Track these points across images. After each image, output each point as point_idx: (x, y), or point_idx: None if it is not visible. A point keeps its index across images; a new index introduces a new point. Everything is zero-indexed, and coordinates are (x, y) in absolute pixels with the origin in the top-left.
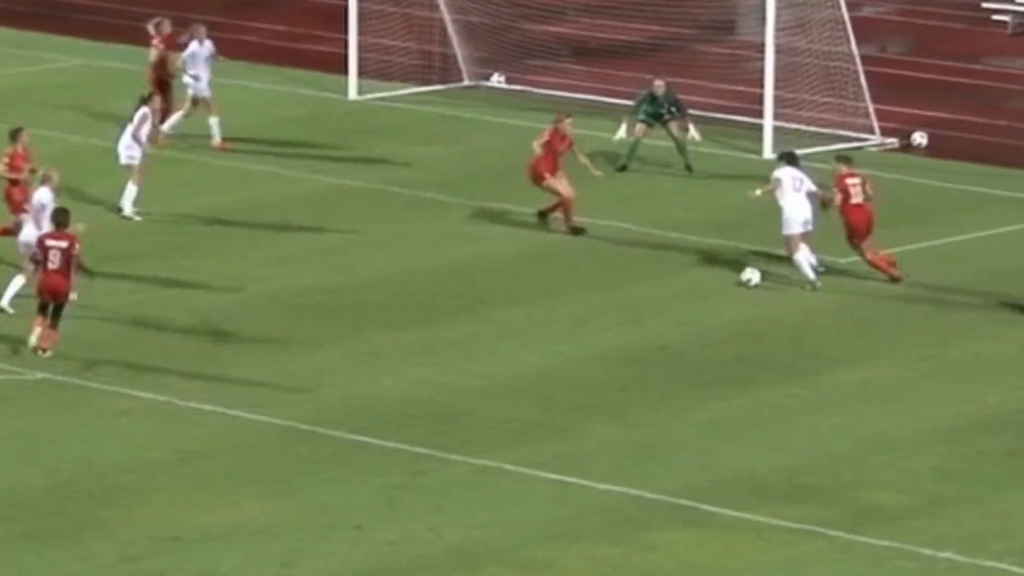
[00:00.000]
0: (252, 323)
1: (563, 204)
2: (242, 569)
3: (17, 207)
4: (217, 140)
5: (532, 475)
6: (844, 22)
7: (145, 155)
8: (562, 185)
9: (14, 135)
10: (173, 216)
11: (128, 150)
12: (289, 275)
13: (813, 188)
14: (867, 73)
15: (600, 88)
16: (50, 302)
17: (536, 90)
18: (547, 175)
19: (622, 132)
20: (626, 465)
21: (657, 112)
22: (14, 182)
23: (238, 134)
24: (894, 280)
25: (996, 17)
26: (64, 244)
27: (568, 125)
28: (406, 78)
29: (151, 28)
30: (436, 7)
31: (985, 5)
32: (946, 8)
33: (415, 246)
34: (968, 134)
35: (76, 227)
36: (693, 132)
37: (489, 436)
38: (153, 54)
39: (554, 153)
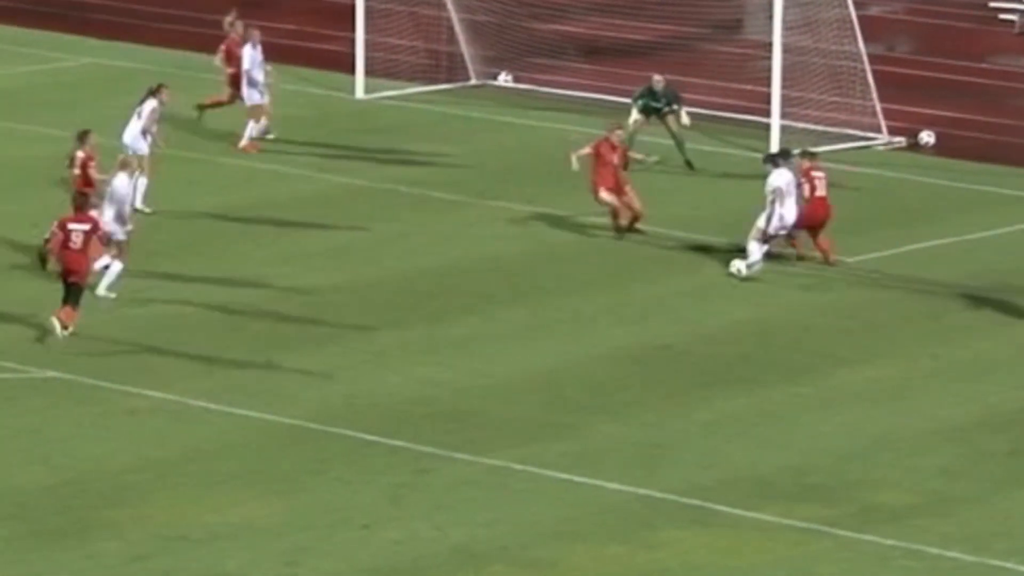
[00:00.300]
0: (258, 322)
1: (614, 212)
2: (248, 568)
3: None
4: (246, 142)
5: (538, 474)
6: (851, 21)
7: (154, 149)
8: (621, 200)
9: (82, 137)
10: (180, 214)
11: (135, 142)
12: (295, 274)
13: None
14: (874, 72)
15: (608, 87)
16: (73, 282)
17: (543, 89)
18: (602, 189)
19: (635, 114)
20: (632, 464)
21: (655, 107)
22: (89, 183)
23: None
24: (829, 264)
25: (1003, 16)
26: (87, 226)
27: (618, 136)
28: (413, 77)
29: (226, 26)
30: (443, 6)
31: (992, 4)
32: (953, 7)
33: (421, 245)
34: (975, 133)
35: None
36: (684, 118)
37: (495, 435)
38: (222, 53)
39: (608, 166)
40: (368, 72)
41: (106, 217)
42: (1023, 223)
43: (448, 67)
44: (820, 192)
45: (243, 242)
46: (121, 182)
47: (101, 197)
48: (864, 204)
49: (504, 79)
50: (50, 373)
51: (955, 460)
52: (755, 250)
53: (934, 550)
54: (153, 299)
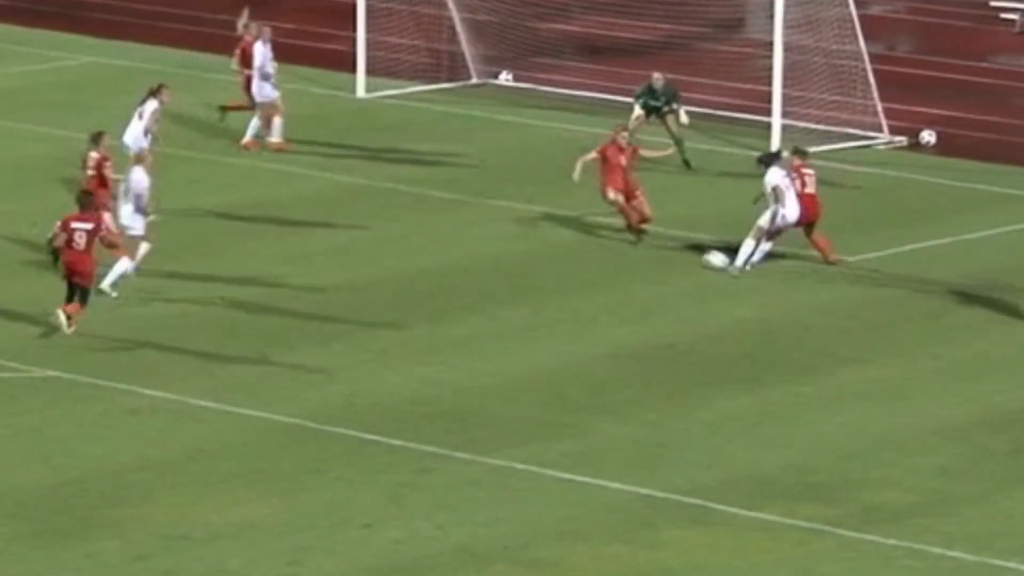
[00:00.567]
0: (260, 321)
1: (623, 213)
2: (250, 567)
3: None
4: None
5: (539, 473)
6: (853, 20)
7: (155, 148)
8: (630, 203)
9: (96, 139)
10: (181, 213)
11: (136, 142)
12: (297, 273)
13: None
14: (875, 71)
15: (608, 86)
16: (76, 283)
17: (544, 88)
18: (611, 190)
19: (636, 110)
20: (634, 464)
21: (655, 106)
22: (104, 184)
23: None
24: (829, 263)
25: (1004, 15)
26: (89, 226)
27: (624, 138)
28: (414, 76)
29: (240, 28)
30: (444, 5)
31: (993, 3)
32: (954, 6)
33: (422, 244)
34: (977, 132)
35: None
36: (683, 117)
37: (496, 434)
38: (238, 56)
39: (616, 168)
40: (369, 71)
41: (124, 213)
42: None
43: (449, 66)
44: (809, 189)
45: (244, 241)
46: (138, 175)
47: (115, 198)
48: (865, 203)
49: (505, 78)
50: (51, 372)
51: (956, 460)
52: (748, 247)
53: (936, 550)
54: (154, 298)
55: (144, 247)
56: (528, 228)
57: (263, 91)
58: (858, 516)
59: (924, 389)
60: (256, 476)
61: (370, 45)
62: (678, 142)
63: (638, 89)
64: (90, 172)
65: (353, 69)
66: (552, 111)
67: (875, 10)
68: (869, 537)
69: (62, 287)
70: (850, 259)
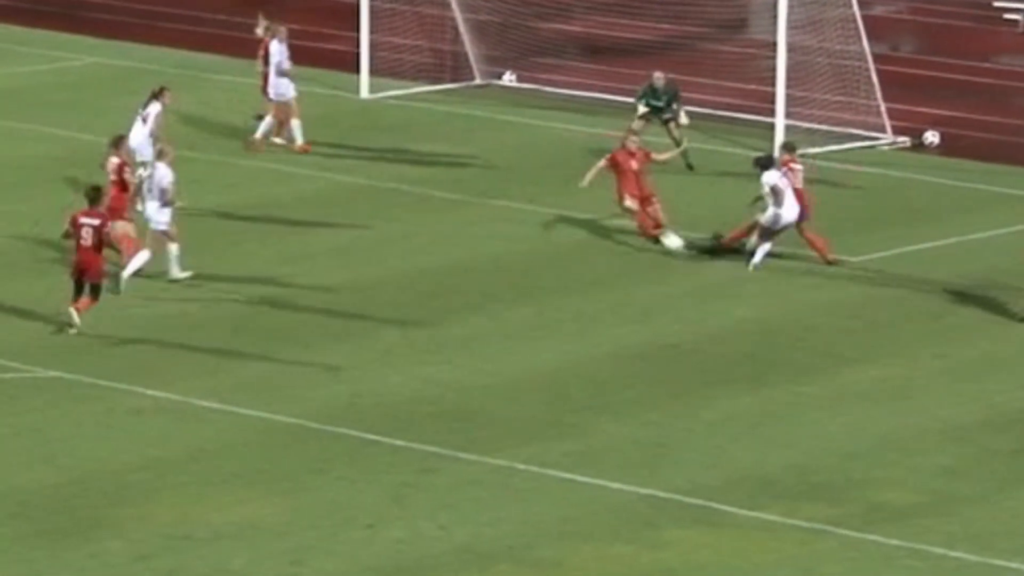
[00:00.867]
0: (262, 321)
1: (642, 224)
2: (252, 567)
3: (116, 214)
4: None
5: (542, 473)
6: (856, 21)
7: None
8: (645, 209)
9: (116, 143)
10: (184, 212)
11: (142, 146)
12: (299, 273)
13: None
14: (879, 72)
15: (611, 87)
16: (84, 280)
17: (547, 89)
18: (627, 198)
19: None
20: (636, 463)
21: (657, 105)
22: (124, 188)
23: (249, 132)
24: (829, 263)
25: (1008, 16)
26: (96, 222)
27: (633, 142)
28: (417, 76)
29: (261, 31)
30: (448, 6)
31: (996, 4)
32: (957, 7)
33: (425, 244)
34: (980, 133)
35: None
36: (683, 118)
37: (499, 434)
38: (261, 58)
39: (628, 173)
40: (372, 71)
41: (149, 209)
42: None
43: (452, 67)
44: (797, 184)
45: (247, 241)
46: (162, 171)
47: (133, 201)
48: (868, 203)
49: (508, 79)
50: (53, 372)
51: (959, 460)
52: (764, 247)
53: (938, 550)
54: (156, 298)
55: (174, 247)
56: (530, 228)
57: (279, 88)
58: (860, 516)
59: (926, 389)
60: (258, 476)
61: (373, 45)
62: (679, 145)
63: (640, 90)
64: (112, 177)
65: (356, 69)
66: (554, 111)
67: (878, 10)
68: (871, 537)
69: (65, 286)
70: (853, 259)
